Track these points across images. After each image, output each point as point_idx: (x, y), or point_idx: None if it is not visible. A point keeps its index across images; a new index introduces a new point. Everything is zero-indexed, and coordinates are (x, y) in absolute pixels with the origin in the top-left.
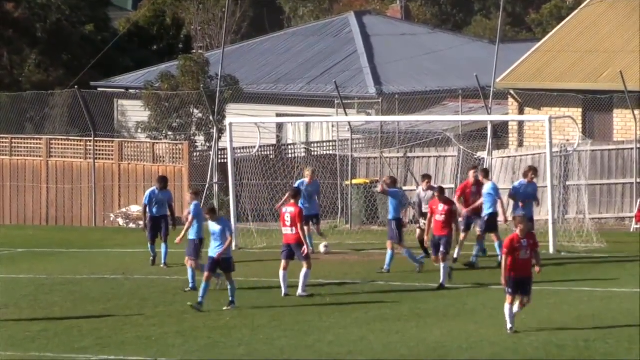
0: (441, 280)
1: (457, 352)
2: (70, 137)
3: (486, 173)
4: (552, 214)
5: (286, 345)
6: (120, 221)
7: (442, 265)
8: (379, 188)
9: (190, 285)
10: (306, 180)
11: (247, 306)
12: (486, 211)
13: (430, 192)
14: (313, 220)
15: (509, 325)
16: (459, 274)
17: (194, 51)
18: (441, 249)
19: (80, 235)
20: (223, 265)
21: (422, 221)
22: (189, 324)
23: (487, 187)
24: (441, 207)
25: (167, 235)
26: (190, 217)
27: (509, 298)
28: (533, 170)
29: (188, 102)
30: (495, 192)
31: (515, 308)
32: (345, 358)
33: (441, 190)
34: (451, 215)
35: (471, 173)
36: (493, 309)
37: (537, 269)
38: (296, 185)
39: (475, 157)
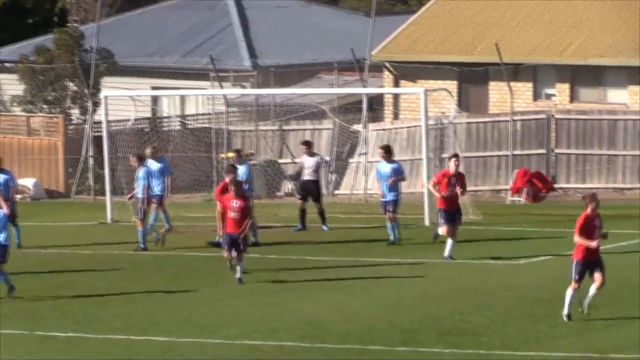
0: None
1: (333, 324)
2: None
3: (387, 150)
4: (427, 186)
5: (162, 318)
6: None
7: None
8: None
9: (142, 245)
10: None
11: (122, 279)
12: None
13: (314, 158)
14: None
15: (566, 311)
16: (338, 247)
17: (69, 24)
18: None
19: None
20: None
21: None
22: (64, 298)
23: (388, 167)
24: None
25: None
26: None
27: (574, 284)
28: (384, 150)
29: (63, 75)
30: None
31: (593, 291)
32: (220, 330)
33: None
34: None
35: (452, 162)
36: (370, 282)
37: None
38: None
39: (351, 129)
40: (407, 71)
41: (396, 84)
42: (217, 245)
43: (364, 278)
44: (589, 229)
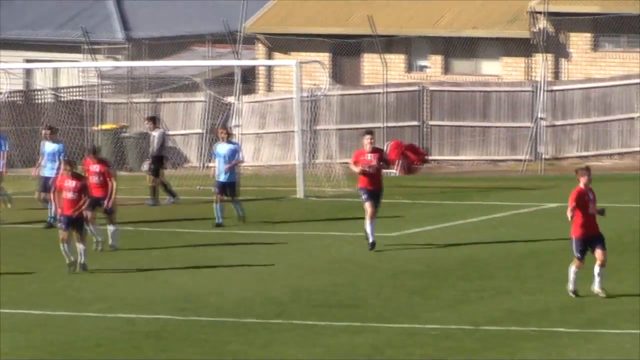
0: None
1: (207, 297)
2: None
3: (228, 131)
4: (301, 158)
5: (36, 291)
6: None
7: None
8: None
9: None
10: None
11: None
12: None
13: (158, 131)
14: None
15: (571, 287)
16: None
17: None
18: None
19: None
20: None
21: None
22: None
23: (226, 148)
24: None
25: None
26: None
27: (577, 262)
28: (224, 130)
29: None
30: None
31: (597, 271)
32: (94, 303)
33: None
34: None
35: (366, 140)
36: (243, 255)
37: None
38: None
39: (224, 102)
40: (280, 43)
41: (269, 56)
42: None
43: (237, 251)
44: (583, 204)
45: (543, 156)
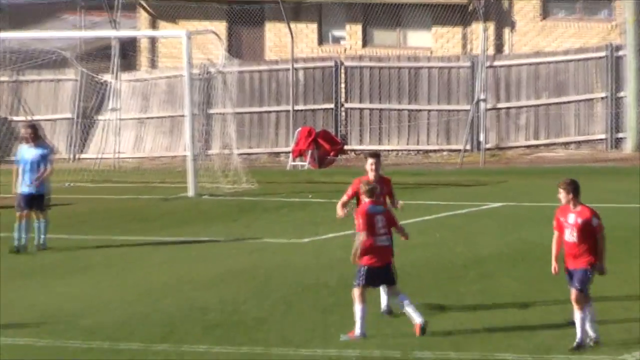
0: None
1: (78, 316)
2: None
3: (35, 131)
4: (192, 149)
5: None
6: None
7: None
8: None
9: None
10: None
11: None
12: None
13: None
14: None
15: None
16: (85, 223)
17: None
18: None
19: None
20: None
21: None
22: None
23: (34, 153)
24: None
25: None
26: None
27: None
28: (30, 130)
29: None
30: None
31: (578, 317)
32: None
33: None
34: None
35: (369, 164)
36: (124, 265)
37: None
38: None
39: (99, 80)
40: (166, 10)
41: (153, 26)
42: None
43: (117, 260)
44: (561, 227)
45: (484, 146)
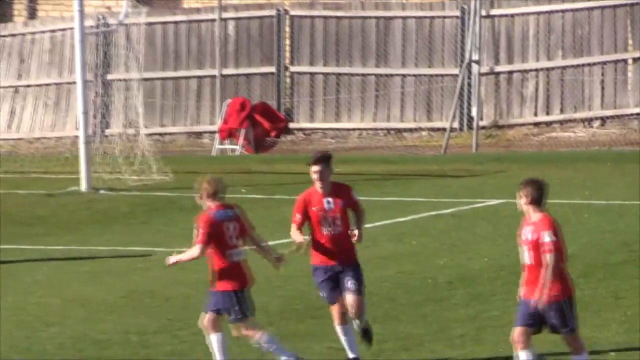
0: None
1: None
2: None
3: None
4: (84, 127)
5: None
6: None
7: None
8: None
9: None
10: None
11: None
12: None
13: None
14: None
15: None
16: None
17: None
18: None
19: None
20: None
21: None
22: None
23: None
24: None
25: None
26: None
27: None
28: None
29: None
30: None
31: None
32: None
33: None
34: None
35: (315, 170)
36: None
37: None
38: None
39: None
40: None
41: None
42: None
43: None
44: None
45: (478, 123)
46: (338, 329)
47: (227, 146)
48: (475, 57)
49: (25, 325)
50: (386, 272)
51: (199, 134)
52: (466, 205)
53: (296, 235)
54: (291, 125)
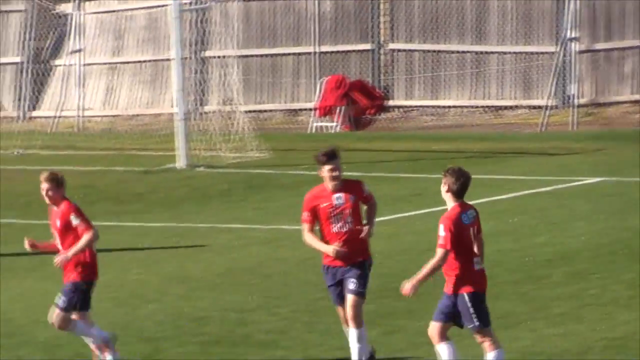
0: None
1: (31, 328)
2: None
3: None
4: (182, 105)
5: None
6: None
7: None
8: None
9: None
10: None
11: None
12: None
13: None
14: None
15: None
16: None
17: None
18: None
19: None
20: None
21: None
22: None
23: None
24: None
25: None
26: None
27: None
28: None
29: None
30: None
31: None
32: None
33: None
34: None
35: (326, 169)
36: None
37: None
38: None
39: (56, 13)
40: None
41: None
42: None
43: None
44: (462, 241)
45: (576, 101)
46: (345, 330)
47: (324, 123)
48: (573, 34)
49: (124, 302)
50: (485, 250)
51: (296, 112)
52: (564, 184)
53: (322, 247)
54: (388, 102)
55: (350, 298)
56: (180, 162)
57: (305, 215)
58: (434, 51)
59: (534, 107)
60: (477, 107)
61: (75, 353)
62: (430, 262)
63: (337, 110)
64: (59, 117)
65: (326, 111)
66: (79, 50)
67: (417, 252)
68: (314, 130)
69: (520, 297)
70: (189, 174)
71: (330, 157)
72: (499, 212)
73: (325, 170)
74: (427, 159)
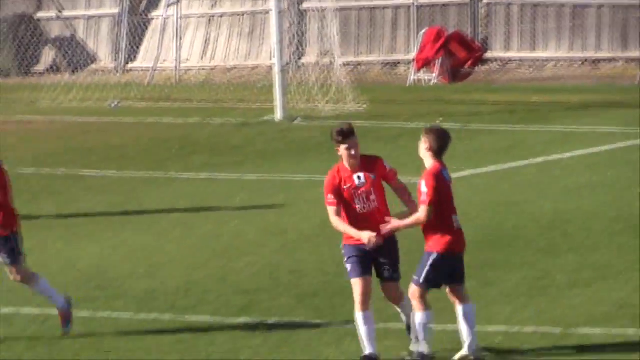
0: None
1: (140, 278)
2: None
3: None
4: (280, 56)
5: None
6: None
7: None
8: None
9: None
10: None
11: None
12: None
13: None
14: None
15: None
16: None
17: None
18: None
19: None
20: None
21: None
22: None
23: None
24: None
25: None
26: None
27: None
28: None
29: None
30: None
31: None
32: None
33: None
34: None
35: (344, 147)
36: (184, 219)
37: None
38: None
39: None
40: None
41: None
42: None
43: (178, 207)
44: (443, 198)
45: None
46: (358, 315)
47: (423, 76)
48: None
49: (221, 254)
50: (582, 202)
51: (394, 64)
52: None
53: (354, 233)
54: (486, 55)
55: (388, 286)
56: (278, 115)
57: (330, 197)
58: (532, 4)
59: (632, 60)
60: (574, 59)
61: (170, 306)
62: (413, 217)
63: (435, 63)
64: (156, 69)
65: (425, 63)
66: (177, 2)
67: (513, 203)
68: (412, 82)
69: (617, 249)
70: (286, 127)
71: (347, 134)
72: (596, 165)
73: (343, 149)
74: (524, 111)
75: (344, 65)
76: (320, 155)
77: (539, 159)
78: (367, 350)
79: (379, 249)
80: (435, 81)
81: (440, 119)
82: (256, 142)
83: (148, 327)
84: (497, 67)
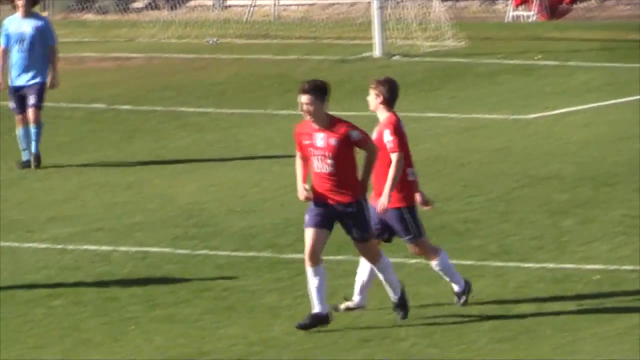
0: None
1: (238, 216)
2: None
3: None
4: None
5: None
6: None
7: None
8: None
9: None
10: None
11: None
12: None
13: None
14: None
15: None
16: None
17: None
18: None
19: None
20: None
21: None
22: None
23: (28, 26)
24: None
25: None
26: None
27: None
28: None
29: None
30: None
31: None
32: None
33: None
34: None
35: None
36: (282, 156)
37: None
38: None
39: None
40: None
41: None
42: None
43: (276, 143)
44: (405, 149)
45: None
46: (307, 270)
47: (521, 13)
48: None
49: None
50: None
51: (493, 1)
52: None
53: (298, 184)
54: None
55: (360, 246)
56: (376, 51)
57: (297, 145)
58: None
59: None
60: None
61: (268, 244)
62: (391, 173)
63: (534, 0)
64: (255, 5)
65: (523, 0)
66: None
67: (611, 141)
68: (510, 19)
69: None
70: (385, 63)
71: (302, 91)
72: None
73: (299, 101)
74: (622, 48)
75: (443, 1)
76: (418, 92)
77: (637, 96)
78: (316, 308)
79: (344, 210)
80: (534, 18)
81: (539, 55)
82: (355, 78)
83: (246, 265)
84: (596, 4)
